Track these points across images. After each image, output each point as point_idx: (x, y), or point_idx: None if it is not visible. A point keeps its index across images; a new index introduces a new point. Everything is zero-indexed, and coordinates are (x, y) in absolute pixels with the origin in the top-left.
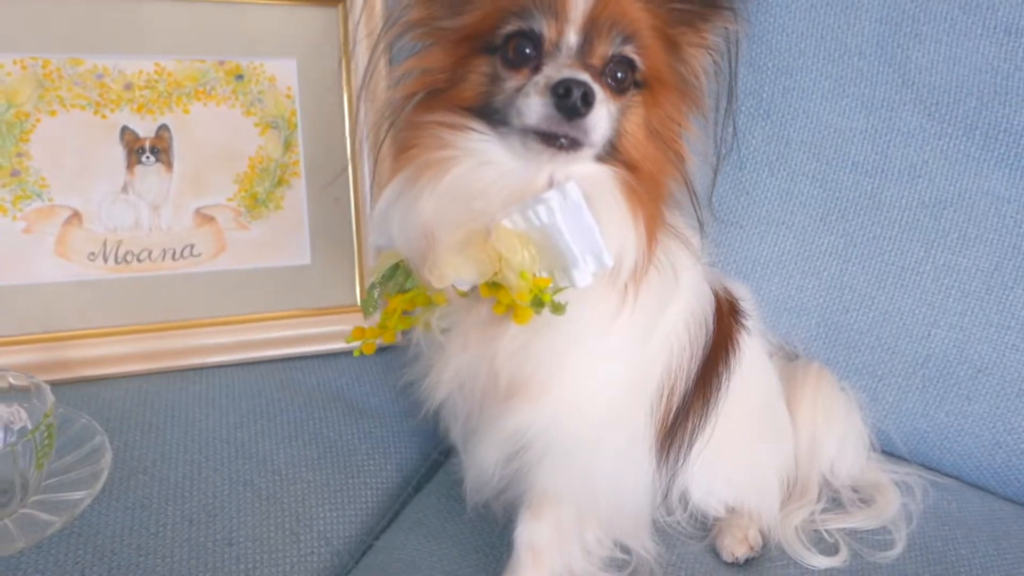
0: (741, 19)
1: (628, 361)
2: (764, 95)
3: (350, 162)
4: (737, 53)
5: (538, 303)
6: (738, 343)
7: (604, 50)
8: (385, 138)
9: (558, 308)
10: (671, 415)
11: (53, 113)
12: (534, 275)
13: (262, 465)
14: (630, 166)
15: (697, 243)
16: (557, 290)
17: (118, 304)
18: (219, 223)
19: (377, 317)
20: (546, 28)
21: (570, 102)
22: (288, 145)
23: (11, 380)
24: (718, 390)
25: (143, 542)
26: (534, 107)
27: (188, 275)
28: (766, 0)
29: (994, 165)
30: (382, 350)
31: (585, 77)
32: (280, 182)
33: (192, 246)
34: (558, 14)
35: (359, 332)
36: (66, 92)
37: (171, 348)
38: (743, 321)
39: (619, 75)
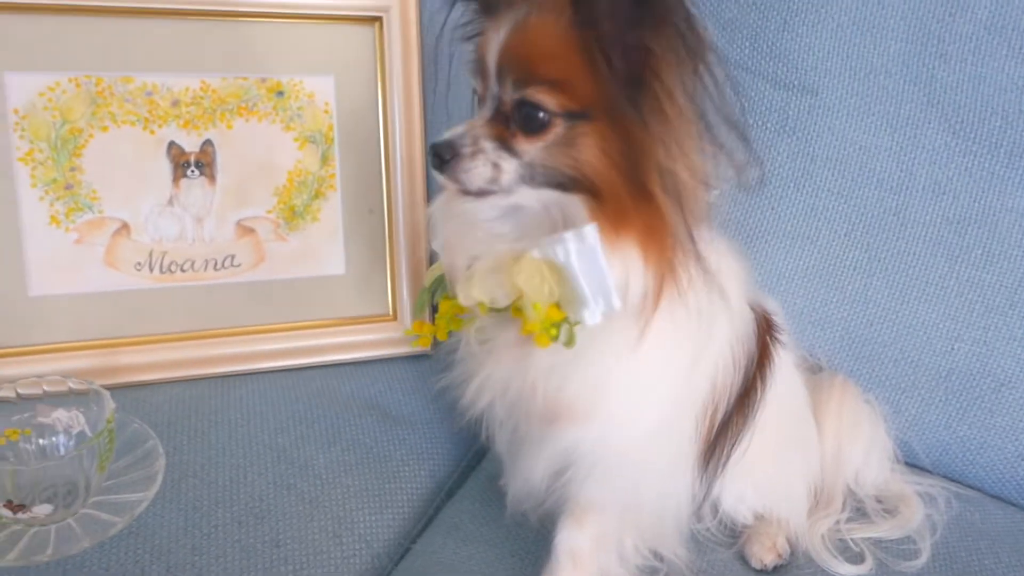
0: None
1: (675, 382)
2: (790, 112)
3: (384, 176)
4: (705, 73)
5: (551, 334)
6: (774, 358)
7: (508, 97)
8: None
9: (570, 341)
10: (714, 430)
11: (105, 129)
12: (549, 308)
13: (304, 470)
14: (599, 195)
15: (740, 265)
16: (575, 322)
17: (162, 312)
18: (259, 234)
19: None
20: (477, 84)
21: (435, 161)
22: (325, 159)
23: (71, 385)
24: (756, 404)
25: (197, 543)
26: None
27: (229, 284)
28: (791, 20)
29: (1018, 183)
30: (413, 359)
31: (452, 135)
32: (317, 195)
33: (233, 256)
34: (482, 71)
35: (417, 326)
36: (117, 109)
37: (212, 355)
38: (778, 337)
39: (531, 116)
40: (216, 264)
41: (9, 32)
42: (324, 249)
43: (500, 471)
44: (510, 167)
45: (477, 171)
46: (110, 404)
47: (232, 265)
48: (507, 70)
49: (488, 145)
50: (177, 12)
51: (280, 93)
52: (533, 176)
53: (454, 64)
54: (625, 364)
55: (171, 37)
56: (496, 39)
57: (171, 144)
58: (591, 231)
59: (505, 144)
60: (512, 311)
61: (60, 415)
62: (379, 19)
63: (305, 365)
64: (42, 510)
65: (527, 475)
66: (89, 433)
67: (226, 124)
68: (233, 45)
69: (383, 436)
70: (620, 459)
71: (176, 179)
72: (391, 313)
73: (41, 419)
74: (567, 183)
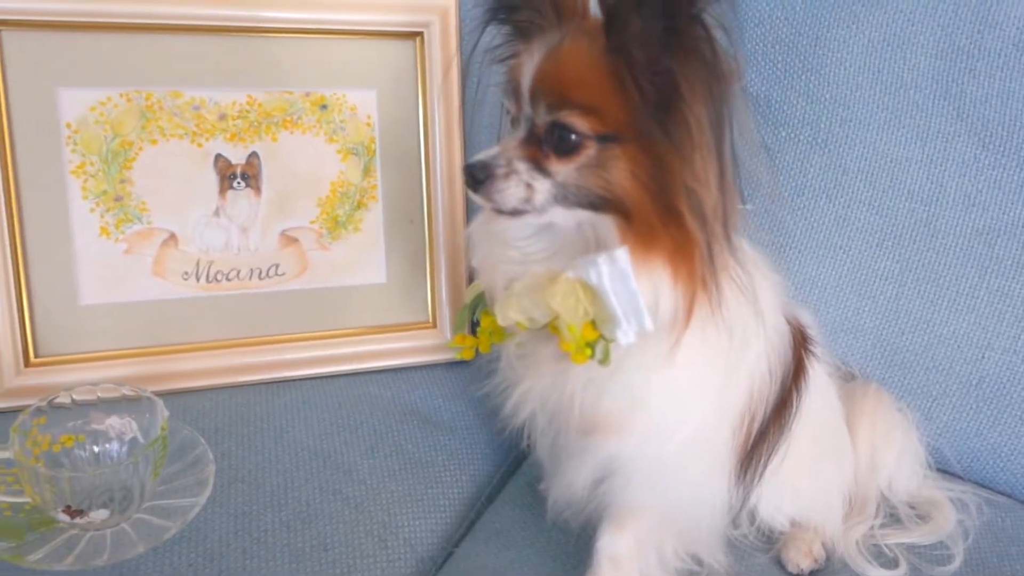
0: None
1: (709, 395)
2: (821, 125)
3: (424, 186)
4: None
5: (586, 353)
6: (808, 370)
7: (542, 119)
8: None
9: (605, 359)
10: (751, 440)
11: (154, 142)
12: (587, 327)
13: (348, 475)
14: (629, 216)
15: (774, 278)
16: (609, 340)
17: (209, 320)
18: (302, 244)
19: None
20: (511, 106)
21: (470, 180)
22: (367, 170)
23: (124, 392)
24: (792, 415)
25: (248, 546)
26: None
27: (273, 293)
28: (824, 35)
29: None
30: (452, 365)
31: (486, 156)
32: (359, 205)
33: (277, 266)
34: (516, 93)
35: (460, 339)
36: (166, 122)
37: (257, 362)
38: (812, 349)
39: (563, 138)
40: (261, 273)
41: (62, 48)
42: (366, 258)
43: (539, 476)
44: (543, 187)
45: (511, 191)
46: (163, 411)
47: (276, 274)
48: (541, 93)
49: (521, 166)
50: (224, 29)
51: (324, 106)
52: (566, 196)
53: (485, 84)
54: (659, 378)
55: (218, 53)
56: (530, 63)
57: (218, 156)
58: (622, 254)
59: (538, 165)
60: (550, 328)
61: (113, 422)
62: (420, 34)
63: (346, 372)
64: (99, 515)
65: (568, 483)
66: (141, 439)
67: (271, 137)
68: (278, 60)
69: (424, 442)
70: (658, 469)
71: (223, 191)
72: (431, 321)
73: (95, 425)
74: (598, 203)
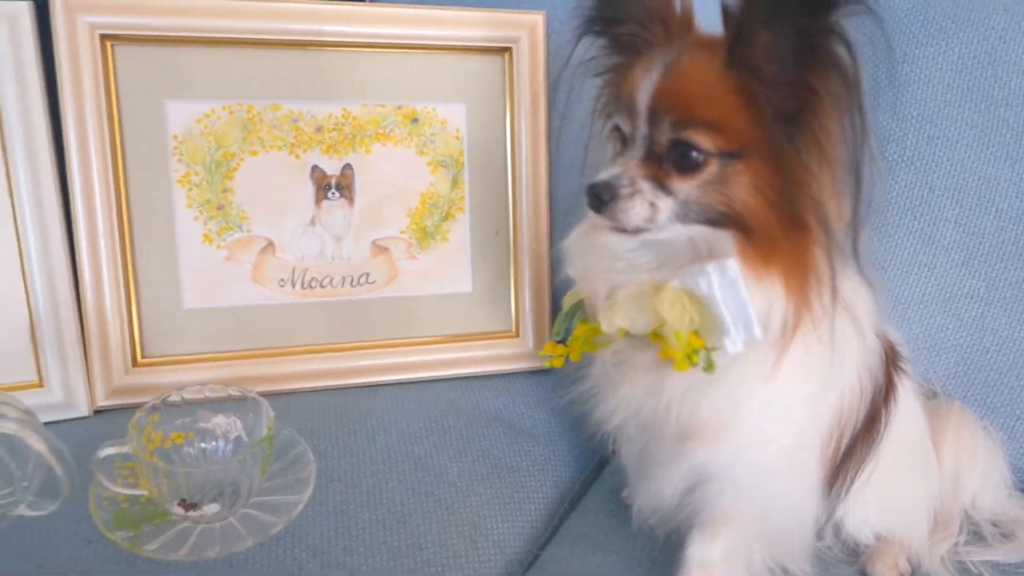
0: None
1: (805, 407)
2: (908, 142)
3: (510, 198)
4: (859, 103)
5: (691, 361)
6: (898, 387)
7: (662, 138)
8: None
9: (710, 367)
10: (840, 454)
11: (255, 153)
12: (692, 335)
13: (439, 478)
14: (749, 231)
15: (870, 296)
16: (714, 349)
17: (302, 325)
18: (392, 253)
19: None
20: (624, 124)
21: (594, 201)
22: (455, 182)
23: (230, 393)
24: (881, 432)
25: (347, 543)
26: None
27: (363, 300)
28: (912, 52)
29: None
30: (533, 374)
31: (610, 176)
32: (447, 216)
33: (368, 274)
34: (631, 110)
35: (550, 347)
36: (266, 134)
37: (348, 367)
38: (902, 365)
39: (686, 156)
40: (352, 281)
41: (170, 63)
42: (452, 268)
43: (622, 483)
44: (666, 206)
45: (635, 211)
46: (269, 412)
47: (367, 282)
48: (662, 112)
49: (645, 185)
50: (321, 44)
51: (415, 120)
52: (687, 214)
53: (574, 97)
54: (762, 388)
55: (315, 67)
56: (646, 80)
57: (314, 168)
58: (733, 264)
59: (660, 183)
60: (651, 337)
61: (219, 421)
62: (508, 50)
63: (432, 378)
64: (210, 509)
65: (657, 489)
66: (246, 438)
67: (365, 149)
68: (372, 75)
69: (509, 447)
70: (751, 477)
71: (318, 201)
72: (514, 330)
73: (202, 424)
74: (718, 219)
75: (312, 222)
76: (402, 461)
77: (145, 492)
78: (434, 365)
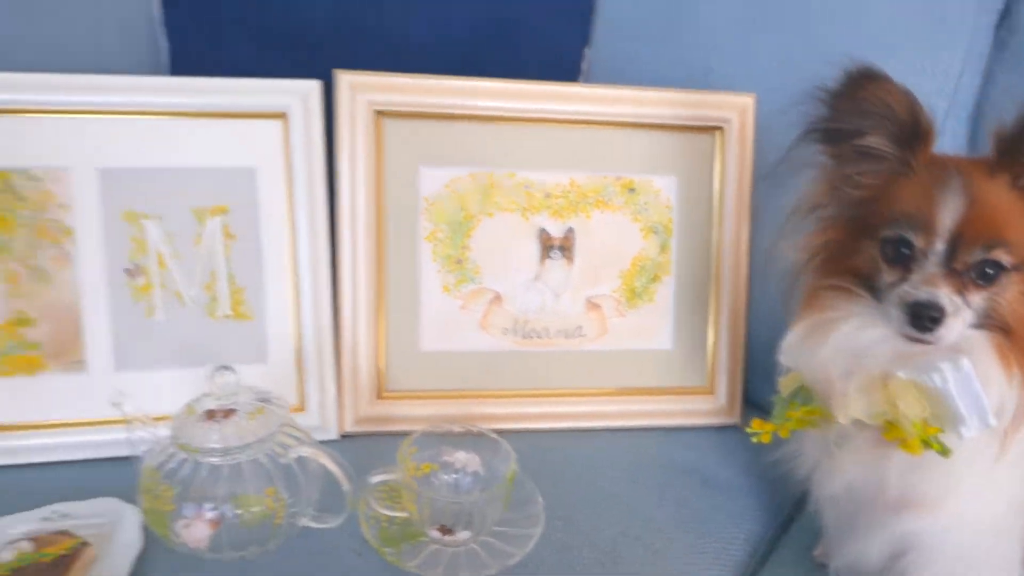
0: None
1: (1013, 488)
2: None
3: (713, 265)
4: None
5: (926, 445)
6: None
7: (967, 258)
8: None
9: (945, 452)
10: None
11: (491, 215)
12: (924, 423)
13: (646, 524)
14: (1006, 331)
15: None
16: (946, 434)
17: (521, 371)
18: (603, 310)
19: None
20: (916, 239)
21: (920, 322)
22: (663, 248)
23: (471, 430)
24: None
25: None
26: (895, 316)
27: (575, 352)
28: None
29: None
30: (723, 429)
31: (938, 297)
32: (654, 278)
33: (580, 327)
34: (927, 228)
35: (758, 424)
36: (501, 199)
37: (559, 412)
38: None
39: (985, 272)
40: (567, 333)
41: (424, 135)
42: (657, 326)
43: (813, 542)
44: (968, 317)
45: (956, 328)
46: (510, 452)
47: (580, 335)
48: (972, 235)
49: (959, 301)
50: (553, 120)
51: (632, 190)
52: (971, 321)
53: (778, 181)
54: (985, 469)
55: (548, 140)
56: (950, 205)
57: (541, 230)
58: (966, 362)
59: (964, 298)
60: (883, 423)
61: (460, 455)
62: (720, 128)
63: (631, 427)
64: (462, 535)
65: (860, 552)
66: (483, 473)
67: (586, 215)
68: (597, 148)
69: (703, 498)
70: (959, 550)
71: (542, 259)
72: (708, 386)
73: (445, 457)
74: (986, 323)
75: (536, 278)
76: (611, 504)
77: (404, 514)
78: (633, 415)
